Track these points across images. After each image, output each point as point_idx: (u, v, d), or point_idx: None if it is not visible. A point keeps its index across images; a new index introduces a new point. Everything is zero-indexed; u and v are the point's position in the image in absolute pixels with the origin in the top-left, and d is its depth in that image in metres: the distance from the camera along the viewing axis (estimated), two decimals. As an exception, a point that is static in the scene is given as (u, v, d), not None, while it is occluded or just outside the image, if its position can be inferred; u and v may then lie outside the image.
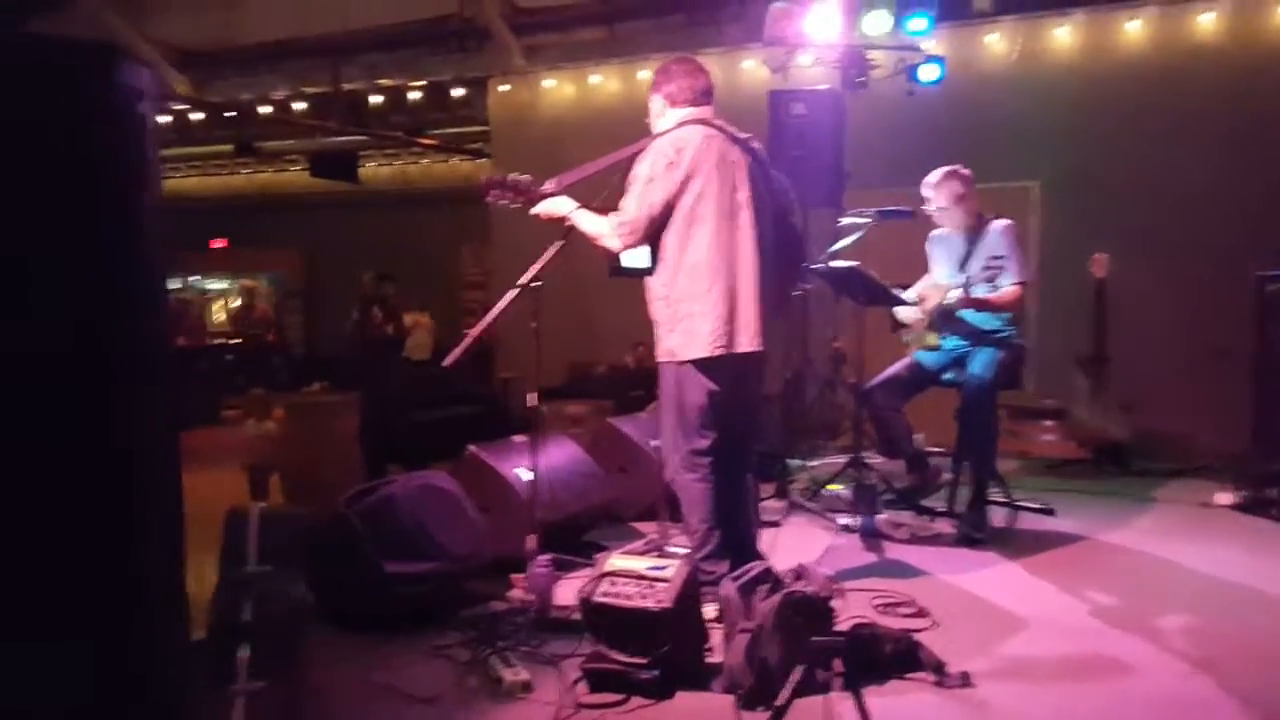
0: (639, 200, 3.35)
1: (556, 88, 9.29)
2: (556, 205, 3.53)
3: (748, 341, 3.38)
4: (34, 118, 1.31)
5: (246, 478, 5.58)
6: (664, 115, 3.55)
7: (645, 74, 8.46)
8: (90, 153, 1.34)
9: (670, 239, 3.38)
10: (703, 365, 3.36)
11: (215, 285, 17.92)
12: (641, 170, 3.37)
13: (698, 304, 3.34)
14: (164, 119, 11.53)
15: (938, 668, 2.96)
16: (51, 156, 1.33)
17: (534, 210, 3.55)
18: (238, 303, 16.11)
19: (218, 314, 16.86)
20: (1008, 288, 4.54)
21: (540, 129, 9.15)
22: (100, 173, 1.36)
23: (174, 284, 16.71)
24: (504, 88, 9.57)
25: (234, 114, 11.85)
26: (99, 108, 1.35)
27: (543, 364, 3.56)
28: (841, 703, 2.71)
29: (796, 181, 3.86)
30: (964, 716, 2.77)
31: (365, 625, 3.39)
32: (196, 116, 12.06)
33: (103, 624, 1.36)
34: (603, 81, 9.05)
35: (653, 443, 4.75)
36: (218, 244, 17.45)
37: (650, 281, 3.48)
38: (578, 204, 3.52)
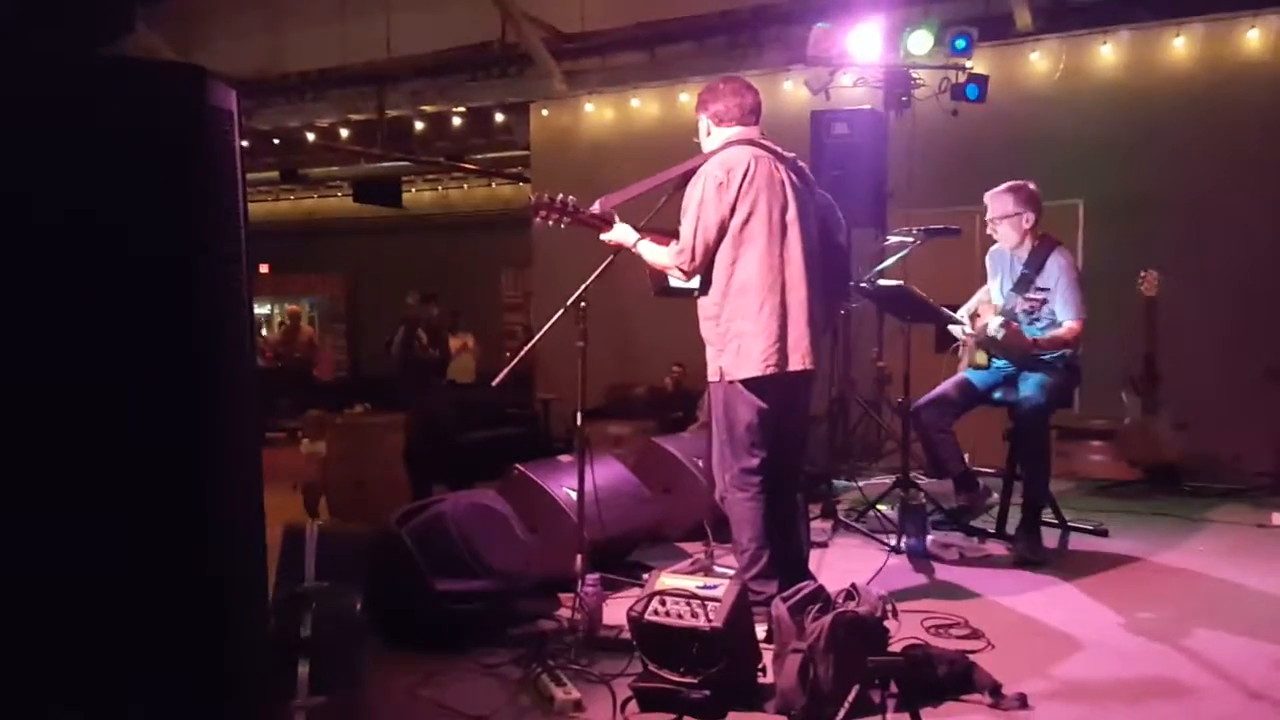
0: (694, 226, 3.38)
1: (597, 112, 9.37)
2: (621, 236, 3.58)
3: (799, 360, 3.39)
4: (134, 139, 1.34)
5: (300, 497, 5.66)
6: (711, 135, 3.58)
7: (686, 97, 8.52)
8: (186, 173, 1.37)
9: (720, 259, 3.40)
10: (754, 384, 3.37)
11: (259, 310, 18.20)
12: (693, 195, 3.40)
13: (749, 323, 3.35)
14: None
15: (994, 689, 2.92)
16: (150, 176, 1.36)
17: (603, 237, 3.59)
18: (282, 326, 16.32)
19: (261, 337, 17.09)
20: (1068, 324, 4.48)
21: (581, 153, 9.23)
22: (197, 194, 1.39)
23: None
24: (545, 112, 9.67)
25: (280, 141, 12.07)
26: (193, 128, 1.38)
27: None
28: (897, 723, 2.68)
29: (838, 201, 3.87)
30: (1022, 739, 2.73)
31: (417, 642, 3.41)
32: (243, 144, 12.30)
33: (197, 633, 1.39)
34: (643, 105, 9.12)
35: (699, 462, 4.75)
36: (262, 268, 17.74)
37: (700, 302, 3.50)
38: (639, 235, 3.55)
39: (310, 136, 11.70)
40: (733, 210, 3.36)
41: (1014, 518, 4.67)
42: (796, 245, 3.42)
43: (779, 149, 3.54)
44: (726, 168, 3.38)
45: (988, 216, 4.71)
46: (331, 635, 2.56)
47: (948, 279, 5.20)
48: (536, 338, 3.67)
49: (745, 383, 3.38)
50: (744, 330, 3.36)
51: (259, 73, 10.54)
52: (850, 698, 2.43)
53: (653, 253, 3.54)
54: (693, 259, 3.40)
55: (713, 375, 3.48)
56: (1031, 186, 4.67)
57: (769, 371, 3.34)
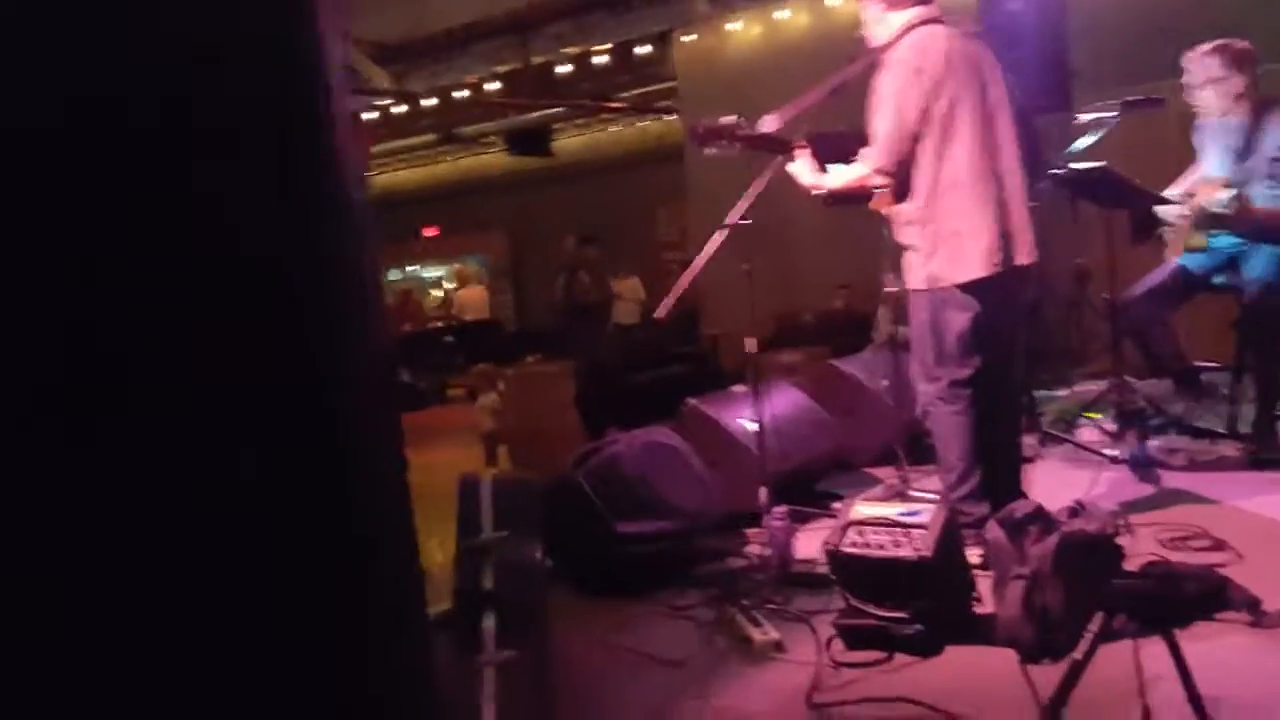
0: (891, 118, 3.05)
1: (743, 30, 8.98)
2: (800, 176, 3.32)
3: (1025, 254, 3.12)
4: (212, 66, 1.21)
5: (481, 449, 5.75)
6: (883, 22, 3.21)
7: (835, 1, 8.03)
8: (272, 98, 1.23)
9: (922, 155, 3.06)
10: (972, 287, 3.06)
11: (429, 273, 18.80)
12: (886, 85, 3.08)
13: (964, 221, 3.04)
14: (369, 115, 12.04)
15: (1253, 606, 2.56)
16: (230, 107, 1.23)
17: (788, 168, 3.34)
18: (451, 286, 16.75)
19: (433, 300, 17.65)
20: None
21: (728, 75, 8.86)
22: (278, 121, 1.25)
23: (393, 275, 17.62)
24: (688, 38, 9.35)
25: (432, 102, 12.21)
26: (275, 56, 1.24)
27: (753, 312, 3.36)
28: (1145, 651, 2.36)
29: (1018, 83, 3.47)
30: (1295, 662, 2.37)
31: (601, 588, 3.32)
32: (399, 109, 12.50)
33: (341, 611, 1.28)
34: (791, 17, 8.66)
35: (883, 382, 4.45)
36: (429, 232, 18.27)
37: (899, 206, 3.17)
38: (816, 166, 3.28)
39: (460, 94, 11.79)
40: (934, 98, 3.02)
41: (1247, 414, 4.15)
42: (1005, 129, 3.10)
43: (964, 29, 3.18)
44: (920, 52, 3.04)
45: (1187, 82, 4.17)
46: (515, 586, 2.46)
47: (1143, 160, 4.65)
48: (696, 264, 3.44)
49: (962, 286, 3.06)
50: (959, 229, 3.04)
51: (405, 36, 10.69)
52: (1095, 626, 2.15)
53: (843, 177, 3.23)
54: (893, 158, 3.08)
55: (918, 283, 3.16)
56: (1241, 45, 4.10)
57: (993, 270, 3.04)
